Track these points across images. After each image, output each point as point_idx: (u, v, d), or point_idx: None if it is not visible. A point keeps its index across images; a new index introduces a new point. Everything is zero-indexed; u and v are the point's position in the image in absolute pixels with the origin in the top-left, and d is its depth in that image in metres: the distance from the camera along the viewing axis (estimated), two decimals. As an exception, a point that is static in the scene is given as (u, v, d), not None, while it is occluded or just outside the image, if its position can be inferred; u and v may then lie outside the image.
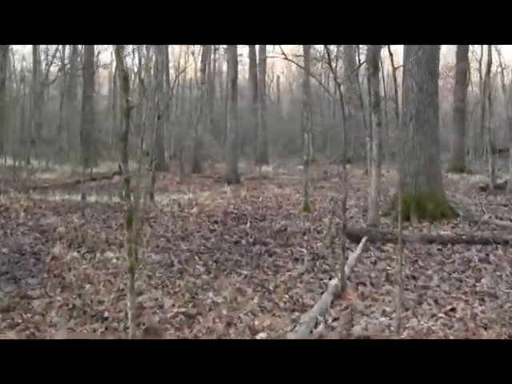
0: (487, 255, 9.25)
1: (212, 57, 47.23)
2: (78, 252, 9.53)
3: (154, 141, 16.64)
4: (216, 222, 12.83)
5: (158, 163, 26.28)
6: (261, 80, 38.42)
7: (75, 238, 10.80)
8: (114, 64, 39.85)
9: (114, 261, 8.95)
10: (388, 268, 8.54)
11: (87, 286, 7.48)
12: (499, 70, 28.14)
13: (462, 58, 28.05)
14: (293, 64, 56.75)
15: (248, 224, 12.56)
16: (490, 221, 12.14)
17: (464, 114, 28.29)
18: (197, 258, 9.28)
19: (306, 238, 10.99)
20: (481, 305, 6.73)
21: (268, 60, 42.96)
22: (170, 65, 39.84)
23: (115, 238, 10.87)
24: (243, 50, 43.21)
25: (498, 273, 8.23)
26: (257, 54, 39.37)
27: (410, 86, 12.89)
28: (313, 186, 20.27)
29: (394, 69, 5.54)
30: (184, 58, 43.89)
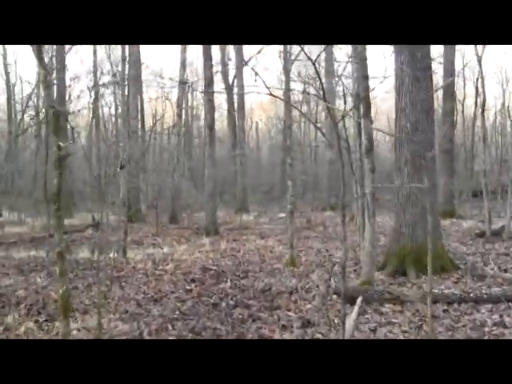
0: (501, 317, 8.06)
1: (189, 103, 46.45)
2: (36, 322, 8.35)
3: (126, 191, 15.74)
4: (193, 281, 11.63)
5: (133, 214, 25.24)
6: (239, 126, 37.54)
7: (35, 302, 9.67)
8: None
9: (75, 332, 7.72)
10: (390, 335, 7.42)
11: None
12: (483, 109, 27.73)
13: (449, 97, 27.05)
14: (272, 110, 56.69)
15: (228, 282, 11.38)
16: (495, 274, 11.08)
17: (452, 155, 27.23)
18: (170, 326, 8.06)
19: (293, 298, 9.79)
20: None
21: (247, 107, 42.29)
22: (147, 112, 39.06)
23: (80, 302, 9.70)
24: (221, 97, 42.34)
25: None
26: (235, 99, 38.56)
27: (403, 127, 11.87)
28: (296, 237, 19.14)
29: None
30: (161, 104, 43.26)
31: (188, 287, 10.99)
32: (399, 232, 11.80)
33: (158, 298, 10.03)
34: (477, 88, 34.26)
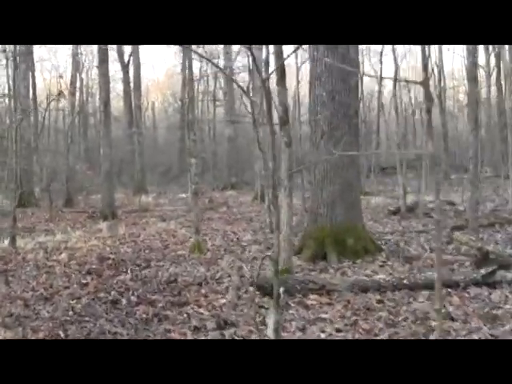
0: (444, 307, 7.08)
1: (84, 82, 44.69)
2: None
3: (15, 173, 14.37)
4: (89, 273, 10.22)
5: (25, 198, 23.59)
6: (136, 105, 36.07)
7: None
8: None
9: None
10: (323, 335, 6.36)
11: None
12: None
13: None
14: (168, 89, 55.49)
15: (129, 274, 10.07)
16: (422, 255, 10.23)
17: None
18: (61, 332, 6.76)
19: (203, 291, 8.60)
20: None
21: (142, 87, 40.96)
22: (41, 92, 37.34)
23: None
24: (117, 77, 40.76)
25: (475, 335, 6.13)
26: (131, 78, 37.52)
27: (319, 97, 10.80)
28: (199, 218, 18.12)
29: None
30: (56, 84, 41.57)
31: (83, 280, 9.65)
32: (316, 212, 10.77)
33: (48, 296, 8.63)
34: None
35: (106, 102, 20.93)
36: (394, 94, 20.05)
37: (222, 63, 34.93)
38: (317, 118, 10.78)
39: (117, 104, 42.35)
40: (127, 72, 38.44)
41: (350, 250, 10.25)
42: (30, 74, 30.40)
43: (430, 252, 10.58)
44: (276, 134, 9.79)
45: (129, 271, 10.31)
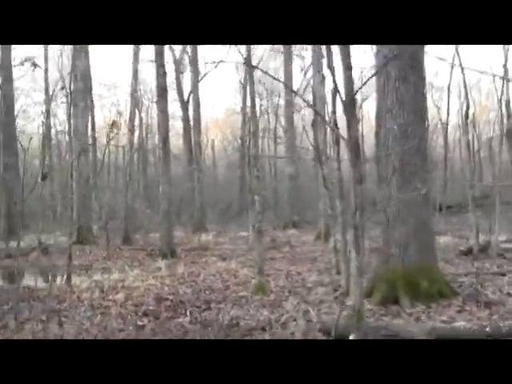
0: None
1: (144, 120, 44.81)
2: None
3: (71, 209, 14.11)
4: (146, 314, 9.73)
5: (83, 236, 23.33)
6: (196, 141, 35.75)
7: None
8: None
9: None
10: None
11: None
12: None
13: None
14: (227, 127, 55.42)
15: (188, 316, 9.53)
16: (502, 299, 9.51)
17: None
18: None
19: (267, 335, 7.98)
20: None
21: (202, 124, 40.83)
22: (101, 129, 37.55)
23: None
24: (176, 115, 40.75)
25: None
26: (190, 116, 37.08)
27: (390, 131, 10.21)
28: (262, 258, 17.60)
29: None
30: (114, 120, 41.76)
31: (140, 322, 9.14)
32: (388, 253, 10.14)
33: (102, 339, 8.11)
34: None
35: (164, 139, 20.52)
36: (465, 129, 19.26)
37: (282, 101, 34.80)
38: (387, 153, 10.18)
39: (176, 142, 42.37)
40: (186, 109, 38.11)
41: (423, 294, 9.56)
42: (90, 112, 30.39)
43: (510, 296, 9.89)
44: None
45: (188, 313, 9.77)
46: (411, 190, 9.87)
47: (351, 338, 7.05)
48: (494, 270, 12.88)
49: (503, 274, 12.17)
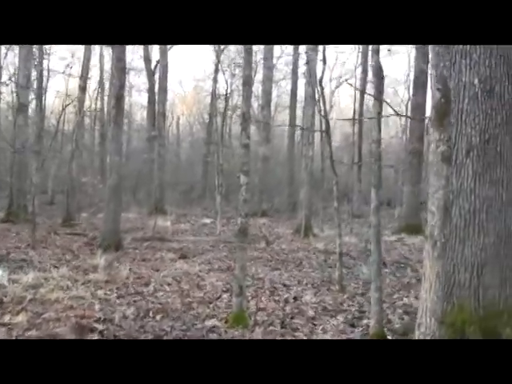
0: None
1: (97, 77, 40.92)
2: None
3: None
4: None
5: (14, 213, 19.51)
6: (160, 113, 32.08)
7: None
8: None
9: None
10: None
11: None
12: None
13: (421, 86, 21.75)
14: (195, 104, 52.03)
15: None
16: None
17: (421, 157, 21.94)
18: None
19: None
20: None
21: (169, 99, 37.90)
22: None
23: None
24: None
25: None
26: (156, 86, 34.67)
27: (467, 86, 6.41)
28: (228, 250, 15.22)
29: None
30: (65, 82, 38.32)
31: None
32: (452, 280, 6.25)
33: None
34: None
35: (118, 95, 15.55)
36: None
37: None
38: (463, 119, 6.32)
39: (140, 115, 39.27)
40: (153, 75, 35.95)
41: (506, 347, 6.14)
42: (37, 59, 27.77)
43: None
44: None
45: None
46: (495, 183, 6.12)
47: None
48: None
49: None
